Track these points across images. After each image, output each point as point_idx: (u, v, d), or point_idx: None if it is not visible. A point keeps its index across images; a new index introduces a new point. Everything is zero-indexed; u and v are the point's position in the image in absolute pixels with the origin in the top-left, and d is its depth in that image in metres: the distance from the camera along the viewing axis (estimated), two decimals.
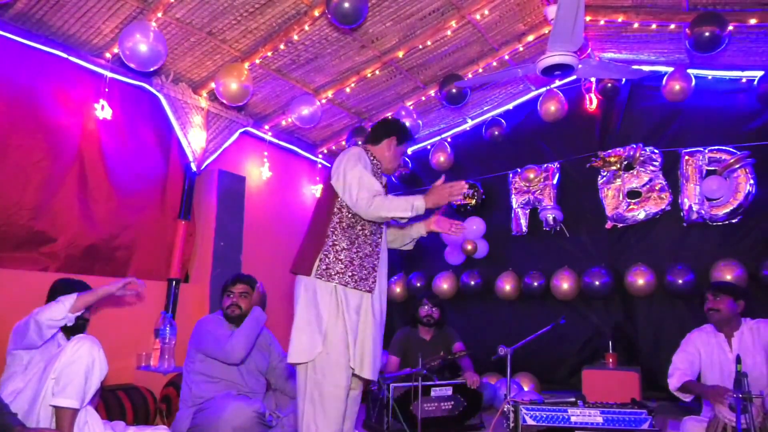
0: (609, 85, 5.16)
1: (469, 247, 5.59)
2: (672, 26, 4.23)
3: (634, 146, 5.02)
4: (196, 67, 4.39)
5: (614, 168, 5.13)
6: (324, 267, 2.42)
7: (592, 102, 5.42)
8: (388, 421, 3.63)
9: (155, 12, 3.69)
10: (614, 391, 4.05)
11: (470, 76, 4.98)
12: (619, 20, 4.31)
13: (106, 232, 3.97)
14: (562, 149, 5.56)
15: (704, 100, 4.91)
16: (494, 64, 4.96)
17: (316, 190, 5.96)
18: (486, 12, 4.32)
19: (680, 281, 4.66)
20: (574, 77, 4.75)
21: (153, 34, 3.61)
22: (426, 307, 4.37)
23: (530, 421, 2.83)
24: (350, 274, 2.43)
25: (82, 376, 2.25)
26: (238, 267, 4.70)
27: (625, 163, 5.08)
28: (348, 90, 5.01)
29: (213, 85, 4.38)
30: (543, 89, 5.49)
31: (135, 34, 3.57)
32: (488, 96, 5.65)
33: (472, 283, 5.68)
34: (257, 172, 5.35)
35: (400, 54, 4.64)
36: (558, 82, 5.42)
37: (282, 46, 4.25)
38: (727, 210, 4.64)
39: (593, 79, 5.29)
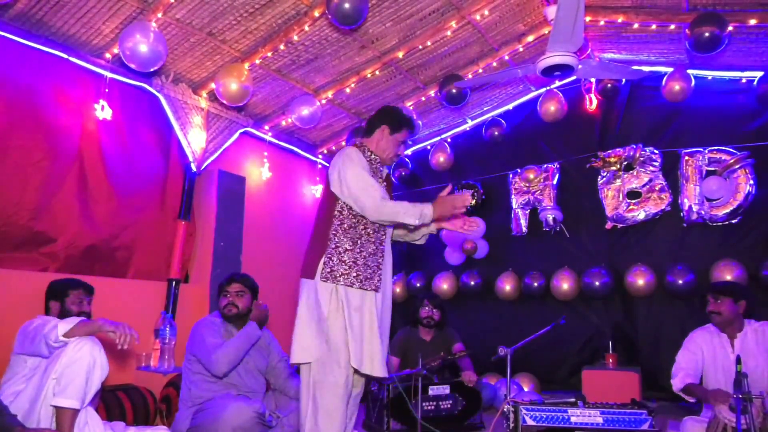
0: (609, 85, 5.16)
1: (469, 247, 5.59)
2: (672, 27, 4.23)
3: (634, 146, 5.02)
4: (196, 67, 4.39)
5: (614, 168, 5.13)
6: (328, 270, 2.43)
7: (591, 102, 5.42)
8: (388, 421, 3.63)
9: (155, 12, 3.69)
10: (614, 391, 4.06)
11: (470, 76, 4.98)
12: (619, 21, 4.31)
13: (106, 232, 3.96)
14: (562, 149, 5.56)
15: (704, 100, 4.91)
16: (494, 64, 4.97)
17: (316, 190, 5.97)
18: (486, 12, 4.32)
19: (680, 281, 4.66)
20: (573, 78, 4.75)
21: (153, 35, 3.61)
22: (426, 308, 4.37)
23: (530, 422, 2.83)
24: (355, 274, 2.43)
25: (83, 377, 2.25)
26: (238, 267, 4.70)
27: (625, 163, 5.08)
28: (348, 90, 5.01)
29: (213, 85, 4.38)
30: (543, 89, 5.49)
31: (135, 35, 3.57)
32: (488, 96, 5.65)
33: (472, 283, 5.68)
34: (257, 172, 5.35)
35: (400, 54, 4.64)
36: (558, 83, 5.42)
37: (282, 47, 4.25)
38: (727, 210, 4.64)
39: (593, 80, 5.28)
